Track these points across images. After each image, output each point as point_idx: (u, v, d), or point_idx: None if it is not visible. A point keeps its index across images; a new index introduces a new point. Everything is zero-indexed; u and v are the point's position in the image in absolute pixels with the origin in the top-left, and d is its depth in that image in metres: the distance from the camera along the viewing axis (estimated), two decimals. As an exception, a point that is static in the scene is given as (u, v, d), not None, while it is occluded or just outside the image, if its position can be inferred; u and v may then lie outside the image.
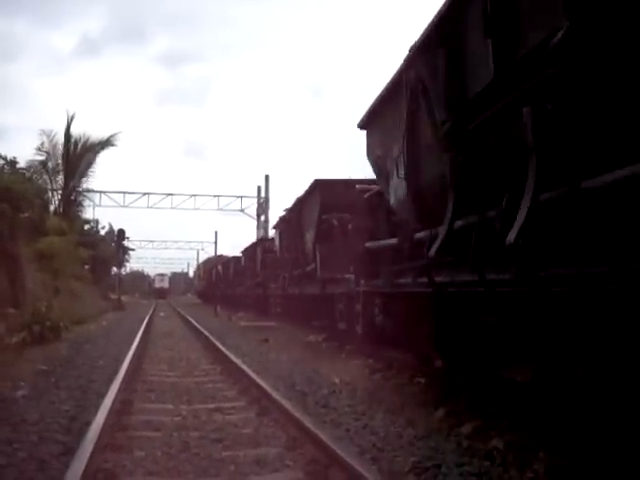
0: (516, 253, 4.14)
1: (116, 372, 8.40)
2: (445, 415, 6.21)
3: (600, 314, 4.08)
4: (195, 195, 44.91)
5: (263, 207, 42.12)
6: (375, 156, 8.47)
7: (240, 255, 35.35)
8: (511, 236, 4.11)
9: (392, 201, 7.86)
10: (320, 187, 14.52)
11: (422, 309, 7.20)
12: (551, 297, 4.39)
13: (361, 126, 8.92)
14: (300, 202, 17.11)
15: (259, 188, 43.05)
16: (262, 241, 29.20)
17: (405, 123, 6.74)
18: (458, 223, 5.58)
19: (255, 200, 43.39)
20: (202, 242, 72.17)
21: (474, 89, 5.03)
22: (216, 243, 46.09)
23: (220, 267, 44.66)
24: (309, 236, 15.67)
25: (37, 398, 7.24)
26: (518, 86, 4.29)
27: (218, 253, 52.42)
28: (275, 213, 37.11)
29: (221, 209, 44.75)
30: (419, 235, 6.79)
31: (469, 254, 5.01)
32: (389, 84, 7.39)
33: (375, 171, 8.70)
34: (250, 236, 43.40)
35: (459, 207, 5.57)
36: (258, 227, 41.56)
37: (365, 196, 10.13)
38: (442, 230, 5.73)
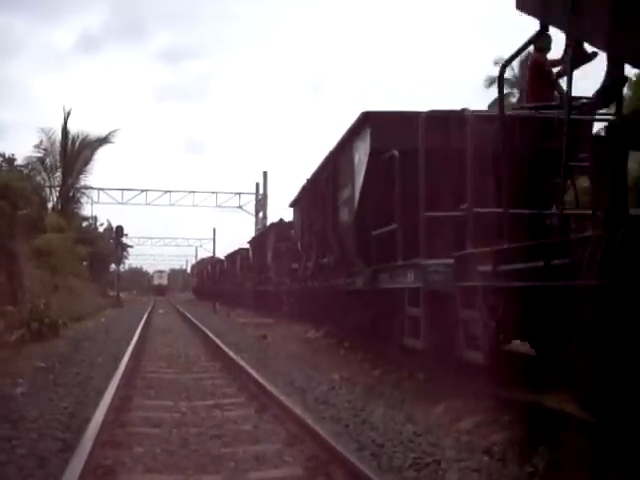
0: None
1: (115, 369, 8.39)
2: (445, 410, 6.21)
3: None
4: (193, 192, 44.96)
5: (261, 204, 42.14)
6: None
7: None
8: None
9: None
10: (372, 123, 9.32)
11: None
12: None
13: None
14: (334, 158, 11.86)
15: (257, 185, 43.10)
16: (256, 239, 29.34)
17: None
18: None
19: (253, 197, 43.42)
20: (201, 239, 72.08)
21: None
22: (214, 240, 45.81)
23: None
24: (349, 201, 10.52)
25: (36, 395, 7.23)
26: None
27: (215, 250, 52.21)
28: (273, 210, 37.16)
29: (219, 206, 44.78)
30: None
31: None
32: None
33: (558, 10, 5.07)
34: (249, 232, 43.43)
35: None
36: (256, 223, 41.57)
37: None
38: None
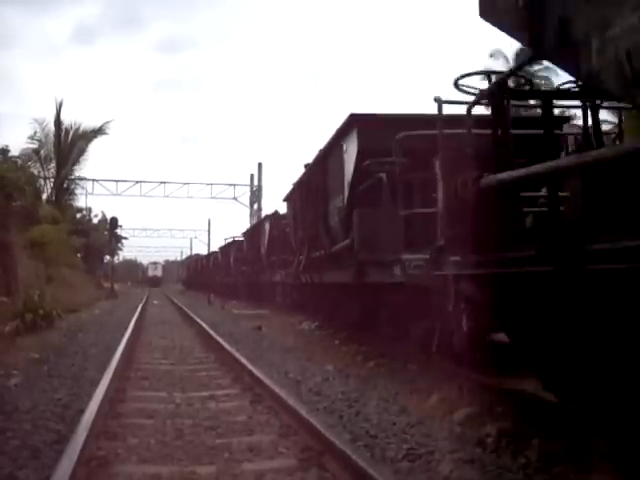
0: None
1: (109, 360, 8.37)
2: (438, 402, 6.23)
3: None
4: (188, 183, 44.99)
5: (256, 195, 42.13)
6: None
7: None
8: None
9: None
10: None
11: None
12: None
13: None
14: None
15: (252, 176, 43.07)
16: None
17: None
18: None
19: (248, 188, 43.39)
20: (195, 230, 72.14)
21: None
22: (209, 231, 45.89)
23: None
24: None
25: (30, 387, 7.23)
26: None
27: (210, 242, 52.56)
28: (268, 201, 37.21)
29: (214, 197, 44.76)
30: None
31: None
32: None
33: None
34: (243, 224, 43.45)
35: None
36: (251, 215, 41.55)
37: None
38: None
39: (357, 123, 9.44)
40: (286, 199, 18.04)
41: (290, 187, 16.68)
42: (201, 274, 51.29)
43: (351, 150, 9.74)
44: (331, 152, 11.30)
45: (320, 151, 12.22)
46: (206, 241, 48.63)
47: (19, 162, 28.47)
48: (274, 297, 22.14)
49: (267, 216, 24.29)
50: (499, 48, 30.90)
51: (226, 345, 10.34)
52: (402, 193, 7.73)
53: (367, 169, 8.76)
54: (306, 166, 14.25)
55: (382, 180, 8.29)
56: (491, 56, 31.50)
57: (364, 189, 8.95)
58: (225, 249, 37.23)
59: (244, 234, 30.42)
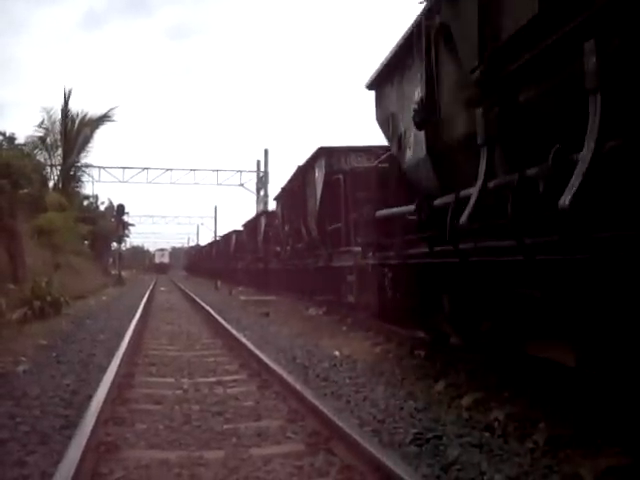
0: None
1: (117, 346, 8.41)
2: (445, 387, 6.24)
3: None
4: (194, 170, 44.79)
5: (262, 181, 42.02)
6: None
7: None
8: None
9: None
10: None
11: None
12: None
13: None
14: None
15: (258, 162, 42.93)
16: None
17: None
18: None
19: (255, 174, 43.31)
20: (202, 217, 72.24)
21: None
22: (215, 218, 45.98)
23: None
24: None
25: (38, 373, 7.27)
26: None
27: (217, 228, 52.76)
28: (274, 187, 37.13)
29: (220, 184, 44.68)
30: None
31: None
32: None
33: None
34: (250, 210, 43.57)
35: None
36: (258, 201, 41.50)
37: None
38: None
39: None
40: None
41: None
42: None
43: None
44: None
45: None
46: (212, 228, 48.76)
47: (26, 150, 28.45)
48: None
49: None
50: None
51: (233, 331, 10.35)
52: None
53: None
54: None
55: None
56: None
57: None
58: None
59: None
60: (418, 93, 6.36)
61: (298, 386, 5.85)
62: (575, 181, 3.52)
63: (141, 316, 13.55)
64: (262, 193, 41.63)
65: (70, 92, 35.62)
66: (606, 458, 3.94)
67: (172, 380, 7.03)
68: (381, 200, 8.49)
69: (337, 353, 8.73)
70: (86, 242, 35.35)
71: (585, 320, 4.42)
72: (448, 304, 6.77)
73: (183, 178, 44.17)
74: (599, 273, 3.99)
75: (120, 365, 6.98)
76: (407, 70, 6.89)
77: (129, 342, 8.90)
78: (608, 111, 3.47)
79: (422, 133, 6.36)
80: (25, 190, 20.31)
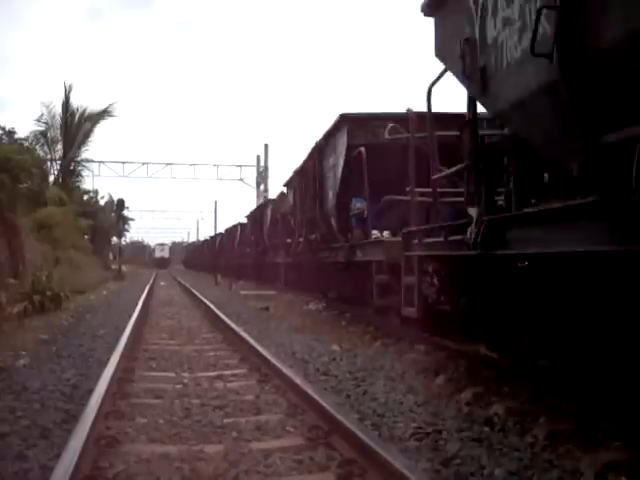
0: None
1: (117, 341, 8.40)
2: (445, 382, 6.24)
3: None
4: (194, 164, 44.90)
5: (262, 176, 42.04)
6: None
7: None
8: None
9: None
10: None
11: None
12: None
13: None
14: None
15: (258, 157, 42.94)
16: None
17: None
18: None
19: (255, 169, 43.28)
20: (202, 211, 72.31)
21: None
22: (215, 212, 45.80)
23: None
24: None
25: (39, 367, 7.27)
26: None
27: (217, 223, 52.80)
28: (274, 182, 37.15)
29: (220, 178, 44.68)
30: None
31: None
32: None
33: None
34: (249, 205, 43.51)
35: None
36: (258, 196, 41.49)
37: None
38: None
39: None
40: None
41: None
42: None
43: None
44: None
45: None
46: (212, 222, 48.64)
47: (26, 144, 28.40)
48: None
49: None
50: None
51: (233, 325, 10.36)
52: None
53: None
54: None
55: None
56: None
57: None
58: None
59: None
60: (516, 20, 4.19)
61: (298, 380, 5.85)
62: None
63: (141, 310, 13.53)
64: (262, 188, 41.65)
65: (71, 87, 35.63)
66: (606, 453, 3.95)
67: (172, 374, 7.03)
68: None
69: (337, 347, 8.74)
70: (86, 237, 35.31)
71: None
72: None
73: (183, 173, 44.50)
74: None
75: (120, 359, 6.97)
76: None
77: (129, 336, 8.89)
78: None
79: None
80: (25, 185, 20.27)
